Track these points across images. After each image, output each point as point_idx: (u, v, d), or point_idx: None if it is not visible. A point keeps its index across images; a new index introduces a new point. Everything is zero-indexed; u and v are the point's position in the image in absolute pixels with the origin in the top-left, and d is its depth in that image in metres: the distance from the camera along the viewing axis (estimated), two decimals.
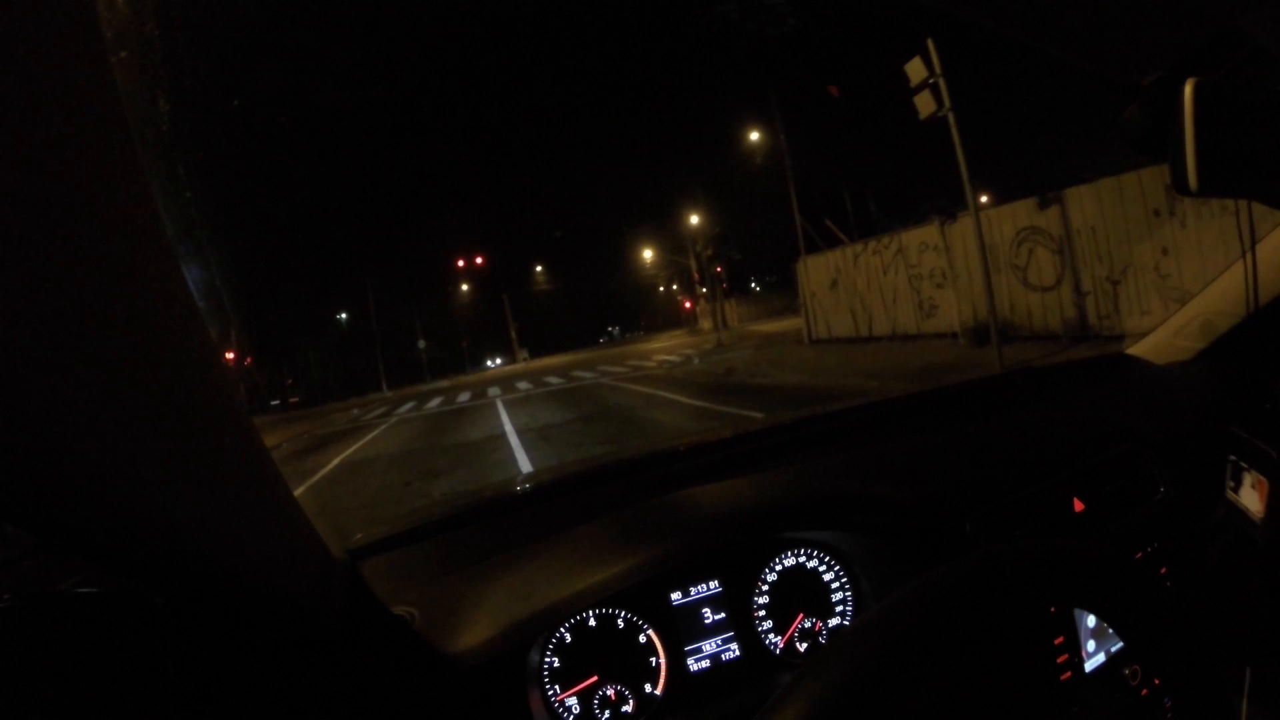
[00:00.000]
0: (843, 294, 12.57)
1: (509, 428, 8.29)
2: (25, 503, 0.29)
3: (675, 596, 0.75)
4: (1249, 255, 0.76)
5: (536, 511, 0.85)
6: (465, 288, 39.76)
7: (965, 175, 7.77)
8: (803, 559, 0.81)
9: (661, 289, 56.28)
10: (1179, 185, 0.57)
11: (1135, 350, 1.21)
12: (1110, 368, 1.17)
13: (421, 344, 27.86)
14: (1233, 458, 0.87)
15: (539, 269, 46.68)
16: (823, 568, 0.81)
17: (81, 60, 0.28)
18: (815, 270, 13.44)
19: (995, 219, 9.00)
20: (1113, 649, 0.70)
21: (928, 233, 10.24)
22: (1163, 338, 1.18)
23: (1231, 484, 0.87)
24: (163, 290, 0.32)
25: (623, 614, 0.73)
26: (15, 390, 0.26)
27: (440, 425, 10.39)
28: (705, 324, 36.28)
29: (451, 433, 9.08)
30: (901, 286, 11.02)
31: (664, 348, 21.57)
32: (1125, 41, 0.59)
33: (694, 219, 30.96)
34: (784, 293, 32.72)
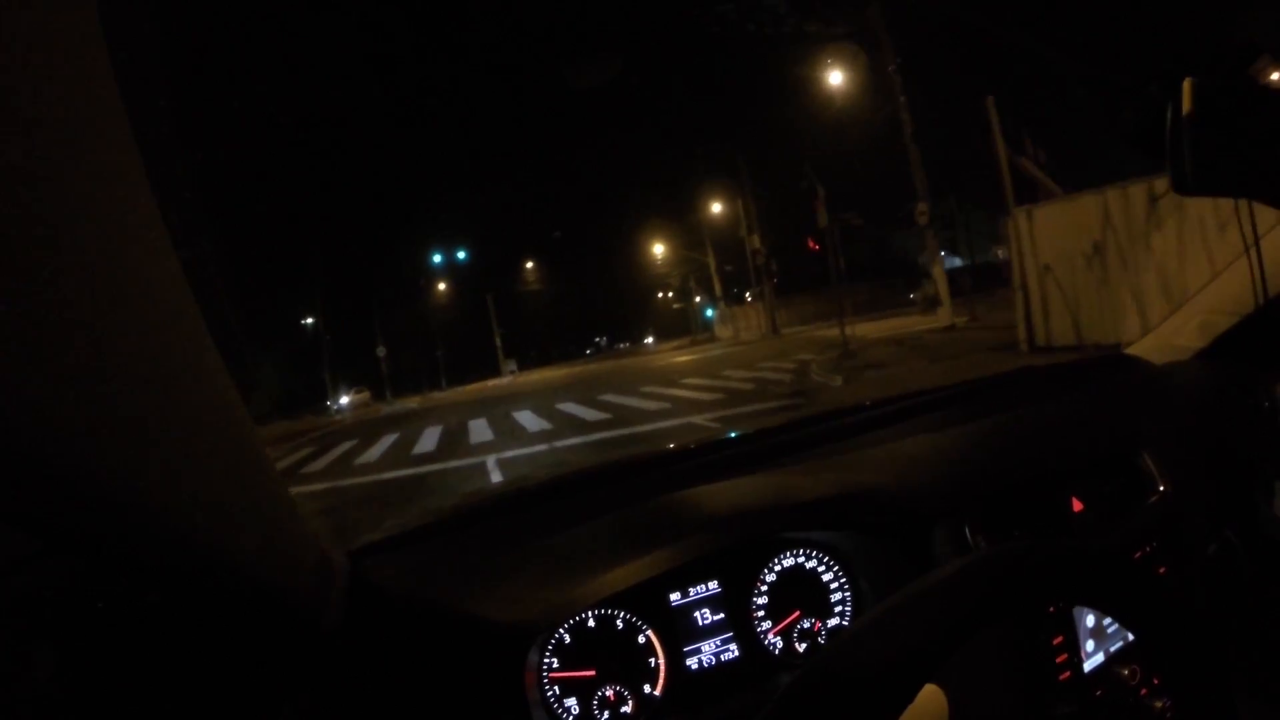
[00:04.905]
0: (1114, 267, 6.88)
1: None
2: (24, 503, 0.29)
3: (674, 597, 0.74)
4: (1252, 252, 0.75)
5: (536, 513, 0.82)
6: (442, 287, 33.20)
7: None
8: (802, 559, 0.79)
9: (660, 295, 50.46)
10: (1178, 185, 0.56)
11: (1134, 350, 1.18)
12: (1109, 368, 1.16)
13: (380, 351, 21.57)
14: None
15: (528, 265, 40.12)
16: (822, 568, 0.79)
17: (82, 60, 0.28)
18: (1049, 229, 7.71)
19: None
20: (1111, 649, 0.68)
21: None
22: (1162, 338, 1.15)
23: None
24: (162, 288, 0.33)
25: (622, 614, 0.72)
26: (14, 390, 0.25)
27: (373, 517, 4.38)
28: (724, 332, 30.75)
29: None
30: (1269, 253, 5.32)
31: (704, 361, 15.63)
32: (1125, 42, 0.48)
33: (729, 204, 25.36)
34: (796, 295, 26.64)
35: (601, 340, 66.89)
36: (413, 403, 21.92)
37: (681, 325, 45.32)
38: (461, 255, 24.99)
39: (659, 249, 34.17)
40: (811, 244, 11.14)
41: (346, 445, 10.41)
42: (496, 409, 11.90)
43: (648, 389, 10.65)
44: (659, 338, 51.40)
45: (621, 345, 57.76)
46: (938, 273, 13.18)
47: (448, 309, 33.29)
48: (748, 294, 30.05)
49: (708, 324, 33.95)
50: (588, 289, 52.43)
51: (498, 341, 31.13)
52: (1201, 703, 0.48)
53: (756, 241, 20.07)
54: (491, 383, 28.43)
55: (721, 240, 29.42)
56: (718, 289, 30.31)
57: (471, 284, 34.05)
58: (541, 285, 40.23)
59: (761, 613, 0.76)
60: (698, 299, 37.07)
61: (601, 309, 58.74)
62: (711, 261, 30.49)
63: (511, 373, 30.47)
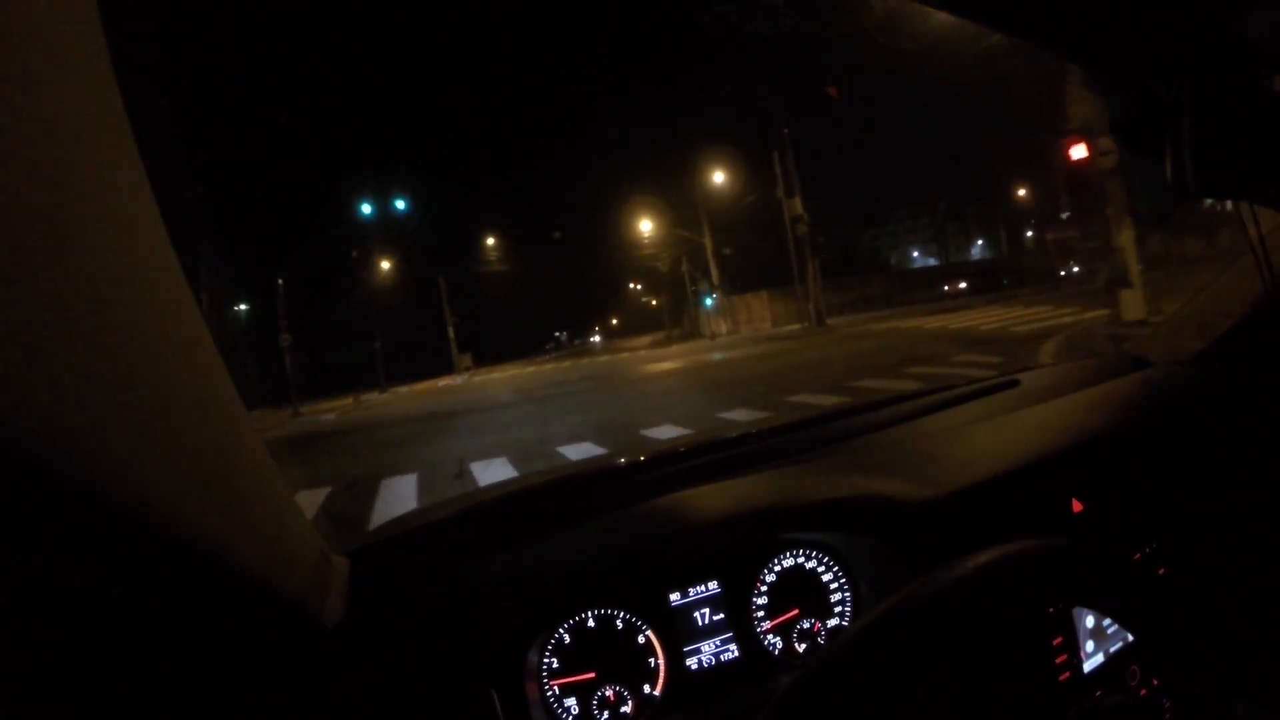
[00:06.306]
0: None
1: None
2: (25, 503, 0.29)
3: (674, 597, 0.75)
4: (1259, 250, 0.75)
5: (535, 513, 0.83)
6: (386, 265, 27.17)
7: None
8: (802, 559, 0.80)
9: (632, 285, 45.45)
10: (1178, 186, 0.57)
11: (1134, 351, 1.22)
12: (1109, 369, 1.17)
13: (284, 341, 15.96)
14: None
15: (485, 244, 34.30)
16: (822, 569, 0.80)
17: (84, 60, 0.28)
18: None
19: None
20: (1112, 649, 0.67)
21: None
22: (1162, 338, 1.18)
23: None
24: (163, 287, 0.33)
25: (621, 614, 0.73)
26: (15, 389, 0.25)
27: None
28: (719, 326, 26.10)
29: None
30: None
31: (756, 361, 10.87)
32: (1125, 42, 0.58)
33: (736, 169, 20.77)
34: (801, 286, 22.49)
35: (561, 335, 61.80)
36: (331, 413, 16.23)
37: (655, 321, 40.42)
38: (401, 205, 19.54)
39: (642, 227, 29.12)
40: (1081, 145, 6.49)
41: None
42: (446, 444, 6.88)
43: (732, 414, 5.70)
44: (626, 333, 46.49)
45: (577, 342, 52.85)
46: (1124, 241, 8.60)
47: (388, 293, 27.47)
48: (711, 292, 25.47)
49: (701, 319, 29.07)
50: (549, 276, 46.95)
51: (451, 333, 25.72)
52: (1201, 703, 0.49)
53: (798, 206, 15.52)
54: (442, 382, 23.43)
55: (718, 219, 24.60)
56: (715, 275, 25.50)
57: (416, 262, 28.30)
58: (496, 268, 34.62)
59: (761, 613, 0.77)
60: (670, 290, 32.43)
61: (563, 301, 53.45)
62: (709, 243, 25.56)
63: (467, 369, 25.17)
